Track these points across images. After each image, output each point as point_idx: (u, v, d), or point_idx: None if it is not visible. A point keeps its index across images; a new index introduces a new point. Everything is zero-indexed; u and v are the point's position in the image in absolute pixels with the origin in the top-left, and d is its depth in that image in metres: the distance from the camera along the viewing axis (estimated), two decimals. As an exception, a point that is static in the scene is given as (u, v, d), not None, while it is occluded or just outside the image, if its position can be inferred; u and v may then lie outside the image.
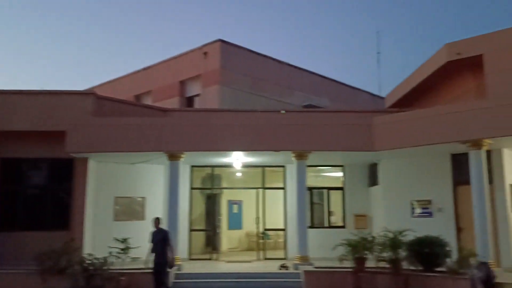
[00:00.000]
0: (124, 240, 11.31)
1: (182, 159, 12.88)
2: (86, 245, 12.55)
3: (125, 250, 11.25)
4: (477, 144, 11.19)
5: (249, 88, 18.90)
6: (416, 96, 17.10)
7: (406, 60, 74.50)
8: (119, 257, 11.16)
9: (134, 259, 11.90)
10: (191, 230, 15.01)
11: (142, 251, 11.29)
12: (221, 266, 13.47)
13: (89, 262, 11.04)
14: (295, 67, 21.25)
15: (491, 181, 11.84)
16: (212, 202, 15.72)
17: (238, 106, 17.40)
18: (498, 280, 9.91)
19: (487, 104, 11.26)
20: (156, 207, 14.44)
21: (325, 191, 15.72)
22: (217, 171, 15.54)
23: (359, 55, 77.97)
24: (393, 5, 79.16)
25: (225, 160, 14.13)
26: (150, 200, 14.45)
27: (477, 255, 10.39)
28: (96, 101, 13.38)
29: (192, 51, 19.73)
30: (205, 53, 18.92)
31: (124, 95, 20.14)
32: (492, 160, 12.03)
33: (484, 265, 10.04)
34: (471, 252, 10.41)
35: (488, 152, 11.78)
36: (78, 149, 12.45)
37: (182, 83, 20.19)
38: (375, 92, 24.61)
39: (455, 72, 14.53)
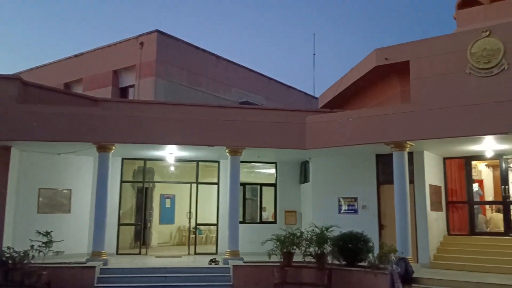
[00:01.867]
0: (47, 234, 10.80)
1: (112, 151, 12.53)
2: (6, 238, 11.87)
3: (48, 244, 10.74)
4: (400, 146, 11.80)
5: (186, 82, 18.69)
6: (347, 97, 17.72)
7: (341, 61, 77.06)
8: (41, 251, 10.64)
9: (57, 253, 11.46)
10: (120, 224, 14.63)
11: (66, 245, 10.86)
12: (150, 261, 13.26)
13: (8, 256, 10.45)
14: (233, 63, 21.28)
15: (412, 181, 12.56)
16: (143, 196, 15.40)
17: (173, 99, 17.18)
18: (415, 275, 10.57)
19: (410, 108, 11.90)
20: (83, 200, 13.95)
21: (258, 187, 15.94)
22: (149, 164, 15.24)
23: (296, 55, 79.71)
24: (330, 8, 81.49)
25: (158, 153, 13.91)
26: (77, 192, 13.90)
27: (397, 251, 10.97)
28: (22, 86, 12.63)
29: (127, 40, 19.18)
30: (141, 43, 18.46)
31: (53, 82, 19.16)
32: (414, 161, 12.73)
33: (403, 260, 10.66)
34: (392, 248, 10.95)
35: (410, 154, 12.46)
36: (0, 136, 11.72)
37: (116, 73, 19.57)
38: (310, 92, 25.27)
39: (383, 76, 15.21)
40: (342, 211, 13.89)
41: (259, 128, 12.96)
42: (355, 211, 13.70)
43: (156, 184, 16.36)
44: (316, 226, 11.39)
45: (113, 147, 12.44)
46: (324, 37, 74.28)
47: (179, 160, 14.74)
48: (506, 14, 13.70)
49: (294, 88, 25.13)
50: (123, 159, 14.72)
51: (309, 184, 14.64)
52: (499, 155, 12.70)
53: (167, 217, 17.81)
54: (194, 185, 15.10)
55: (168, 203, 17.93)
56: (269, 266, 11.37)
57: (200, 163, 15.14)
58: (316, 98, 22.66)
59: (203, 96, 18.82)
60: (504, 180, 12.90)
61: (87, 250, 13.17)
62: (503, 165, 12.92)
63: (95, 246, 12.14)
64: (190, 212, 15.10)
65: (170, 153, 13.69)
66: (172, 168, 15.86)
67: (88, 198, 13.94)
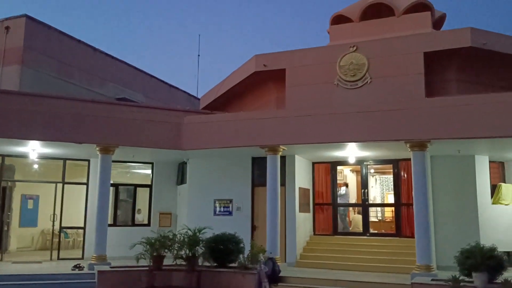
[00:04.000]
0: None
1: (-39, 145, 11.11)
2: None
3: None
4: (274, 150, 12.21)
5: (56, 73, 17.26)
6: (228, 100, 17.91)
7: (226, 63, 78.22)
8: None
9: None
10: (-29, 227, 13.06)
11: None
12: (5, 267, 11.98)
13: None
14: (112, 57, 20.24)
15: (284, 183, 13.07)
16: (1, 196, 13.88)
17: (41, 91, 15.76)
18: (282, 274, 10.99)
19: (284, 114, 12.39)
20: None
21: (132, 188, 15.38)
22: (9, 161, 13.85)
23: (182, 55, 79.16)
24: (216, 10, 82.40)
25: (20, 149, 12.72)
26: None
27: (265, 251, 11.30)
28: None
29: (-9, 23, 17.20)
30: (7, 28, 16.68)
31: None
32: (286, 165, 13.26)
33: (270, 260, 11.02)
34: (261, 248, 11.26)
35: (283, 158, 12.96)
36: None
37: (-25, 58, 17.43)
38: (194, 92, 25.11)
39: (262, 82, 15.66)
40: (217, 212, 13.99)
41: (134, 126, 12.49)
42: (230, 213, 13.88)
43: (16, 183, 14.88)
44: (189, 228, 11.28)
45: (-37, 141, 11.04)
46: (210, 39, 74.67)
47: (44, 157, 13.62)
48: (372, 32, 14.95)
49: (177, 88, 24.75)
50: (-24, 154, 13.17)
51: (186, 186, 14.51)
52: (360, 161, 13.79)
53: (29, 219, 16.27)
54: (60, 185, 14.02)
55: (30, 204, 16.40)
56: (138, 271, 10.96)
57: (68, 161, 14.14)
58: (199, 99, 22.57)
59: (75, 89, 17.53)
60: (364, 185, 14.06)
61: None
62: (364, 170, 14.06)
63: None
64: (54, 214, 13.97)
65: (33, 150, 12.54)
66: (35, 166, 14.56)
67: None
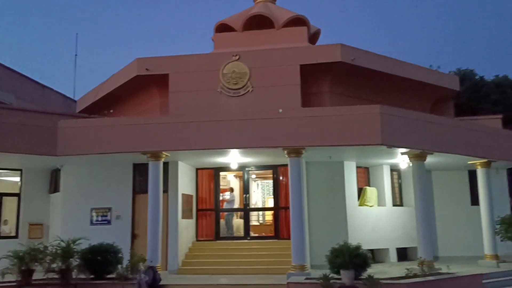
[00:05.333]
0: None
1: None
2: None
3: None
4: (156, 156, 12.02)
5: None
6: (109, 104, 17.20)
7: (107, 65, 74.91)
8: None
9: None
10: None
11: None
12: None
13: None
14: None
15: (166, 190, 12.92)
16: None
17: None
18: (163, 282, 10.84)
19: (166, 120, 12.31)
20: None
21: (-2, 197, 14.04)
22: None
23: (58, 55, 74.18)
24: (94, 10, 78.84)
25: None
26: None
27: (146, 260, 11.03)
28: None
29: None
30: None
31: None
32: (169, 171, 13.13)
33: (151, 269, 10.81)
34: (141, 257, 10.97)
35: (166, 164, 12.81)
36: None
37: None
38: (70, 95, 23.60)
39: (144, 86, 15.36)
40: (94, 222, 13.35)
41: (1, 129, 11.43)
42: (108, 222, 13.33)
43: None
44: (61, 240, 10.61)
45: None
46: (90, 39, 70.92)
47: None
48: (254, 42, 15.55)
49: (51, 89, 23.02)
50: None
51: (60, 194, 13.65)
52: (242, 167, 14.18)
53: None
54: None
55: None
56: (4, 287, 10.01)
57: None
58: (76, 101, 21.28)
59: None
60: (246, 190, 14.49)
61: None
62: (246, 176, 14.50)
63: None
64: None
65: None
66: None
67: None
